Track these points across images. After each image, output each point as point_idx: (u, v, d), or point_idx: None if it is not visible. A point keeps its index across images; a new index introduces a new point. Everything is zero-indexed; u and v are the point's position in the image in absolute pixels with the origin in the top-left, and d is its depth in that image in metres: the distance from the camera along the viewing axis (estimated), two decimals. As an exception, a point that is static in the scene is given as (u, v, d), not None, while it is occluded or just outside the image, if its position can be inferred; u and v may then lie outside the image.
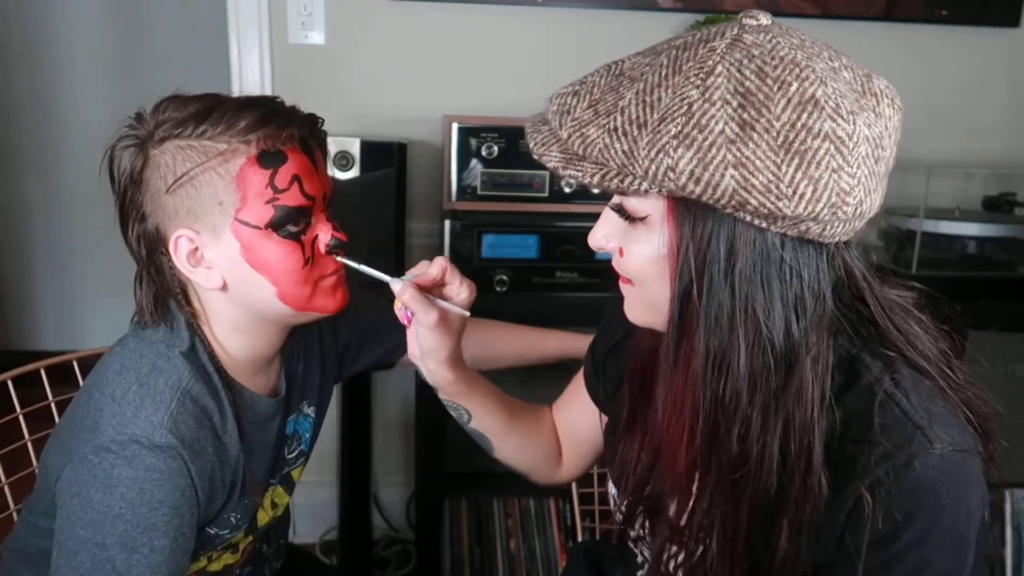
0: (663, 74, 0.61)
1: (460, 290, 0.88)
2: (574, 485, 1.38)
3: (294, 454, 1.02)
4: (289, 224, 0.83)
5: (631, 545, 0.90)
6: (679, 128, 0.59)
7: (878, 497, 0.63)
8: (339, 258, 0.88)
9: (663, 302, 0.68)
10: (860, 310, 0.69)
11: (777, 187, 0.58)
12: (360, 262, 0.89)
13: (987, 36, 1.91)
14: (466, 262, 1.51)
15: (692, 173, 0.59)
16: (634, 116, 0.60)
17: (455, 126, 1.49)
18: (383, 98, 1.84)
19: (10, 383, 1.14)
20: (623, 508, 0.82)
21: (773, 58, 0.60)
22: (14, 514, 1.13)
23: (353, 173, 1.55)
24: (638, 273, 0.70)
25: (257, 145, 0.80)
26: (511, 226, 1.52)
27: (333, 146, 1.49)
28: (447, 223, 1.50)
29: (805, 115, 0.58)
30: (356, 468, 1.81)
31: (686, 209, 0.63)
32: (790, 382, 0.65)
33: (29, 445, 1.17)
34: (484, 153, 1.50)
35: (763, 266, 0.63)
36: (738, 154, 0.58)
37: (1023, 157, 1.95)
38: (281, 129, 0.81)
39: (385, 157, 1.57)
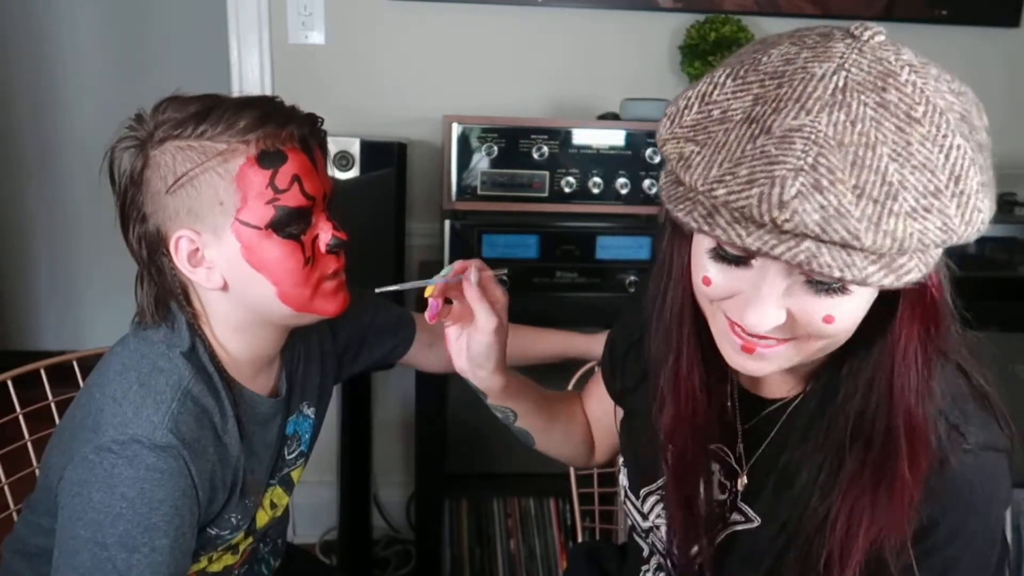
0: (895, 127, 0.55)
1: (498, 292, 0.88)
2: (574, 485, 1.38)
3: (294, 455, 1.02)
4: (290, 224, 0.83)
5: (637, 539, 0.91)
6: (980, 176, 0.57)
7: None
8: (377, 290, 0.87)
9: (829, 347, 0.65)
10: None
11: (989, 197, 0.59)
12: (385, 283, 0.88)
13: (987, 36, 1.92)
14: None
15: (991, 210, 0.58)
16: (921, 187, 0.54)
17: (455, 126, 1.49)
18: (383, 98, 1.84)
19: (10, 383, 1.14)
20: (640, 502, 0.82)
21: (938, 78, 0.58)
22: (14, 514, 1.13)
23: (353, 173, 1.55)
24: (847, 332, 0.64)
25: (257, 145, 0.80)
26: (511, 226, 1.52)
27: (333, 146, 1.49)
28: (447, 223, 1.50)
29: (980, 117, 0.61)
30: (356, 468, 1.81)
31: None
32: None
33: (29, 445, 1.17)
34: (484, 153, 1.50)
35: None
36: (986, 178, 0.59)
37: (1023, 157, 1.95)
38: (280, 128, 0.81)
39: (385, 157, 1.57)
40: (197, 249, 0.83)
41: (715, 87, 0.60)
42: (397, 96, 1.84)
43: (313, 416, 1.05)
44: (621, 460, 0.92)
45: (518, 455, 1.98)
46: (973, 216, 0.56)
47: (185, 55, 2.75)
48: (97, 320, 3.06)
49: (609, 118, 1.68)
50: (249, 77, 1.80)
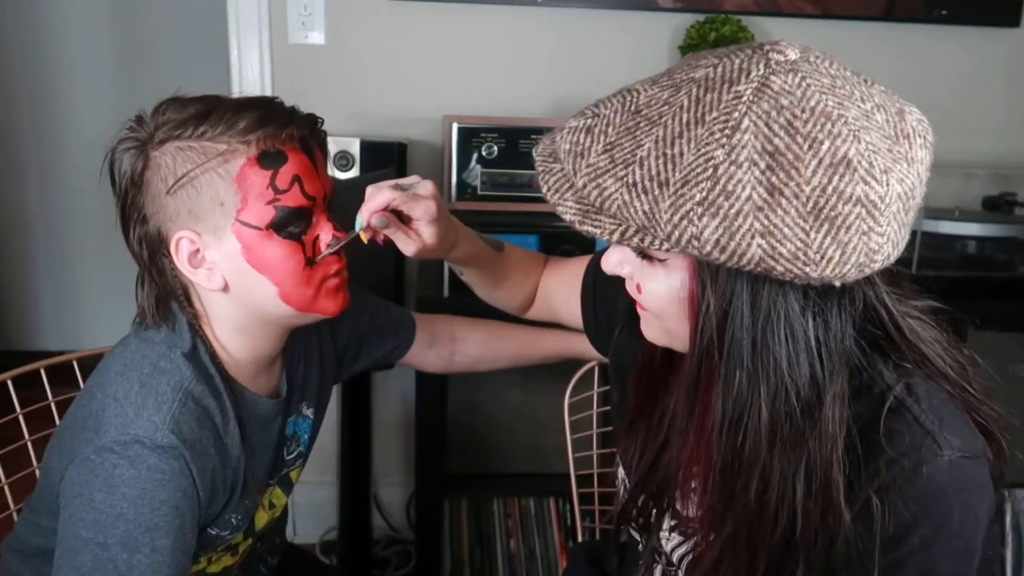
0: (684, 120, 0.58)
1: (415, 206, 0.89)
2: (574, 485, 1.38)
3: (293, 455, 1.02)
4: (290, 225, 0.83)
5: (635, 534, 0.91)
6: (704, 194, 0.56)
7: (886, 500, 0.63)
8: (327, 251, 0.87)
9: (682, 334, 0.67)
10: (875, 330, 0.68)
11: (805, 254, 0.56)
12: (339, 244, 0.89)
13: (987, 36, 1.92)
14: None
15: (718, 242, 0.57)
16: (654, 172, 0.58)
17: (455, 126, 1.49)
18: (383, 98, 1.84)
19: (10, 383, 1.14)
20: (626, 498, 0.83)
21: (803, 110, 0.56)
22: (14, 514, 1.13)
23: (353, 173, 1.55)
24: (656, 310, 0.69)
25: (257, 145, 0.80)
26: (511, 226, 1.52)
27: (333, 146, 1.50)
28: (447, 223, 1.50)
29: (836, 178, 0.55)
30: (356, 468, 1.81)
31: (707, 266, 0.62)
32: (814, 426, 0.63)
33: (29, 445, 1.17)
34: (484, 153, 1.50)
35: (787, 319, 0.61)
36: (766, 222, 0.55)
37: (1023, 157, 1.95)
38: (281, 129, 0.81)
39: (385, 157, 1.57)
40: (198, 250, 0.83)
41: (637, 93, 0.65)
42: (397, 96, 1.84)
43: (312, 416, 1.05)
44: (617, 455, 0.92)
45: (518, 455, 1.99)
46: (681, 222, 0.57)
47: (185, 55, 2.75)
48: (97, 320, 3.05)
49: (609, 118, 1.68)
50: (249, 77, 1.80)
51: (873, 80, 0.62)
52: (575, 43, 1.85)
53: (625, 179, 0.59)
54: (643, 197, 0.58)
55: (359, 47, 1.82)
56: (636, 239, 0.61)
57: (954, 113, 1.93)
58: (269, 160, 0.81)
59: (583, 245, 1.53)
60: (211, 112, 0.80)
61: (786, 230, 0.56)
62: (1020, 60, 1.94)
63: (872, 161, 0.56)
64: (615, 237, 0.61)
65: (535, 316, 1.14)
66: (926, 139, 0.61)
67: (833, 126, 0.56)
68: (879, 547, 0.63)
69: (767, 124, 0.56)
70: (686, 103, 0.59)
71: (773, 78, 0.57)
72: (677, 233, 0.58)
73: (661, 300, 0.67)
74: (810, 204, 0.55)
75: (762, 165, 0.55)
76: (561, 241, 1.53)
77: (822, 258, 0.56)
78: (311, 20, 1.79)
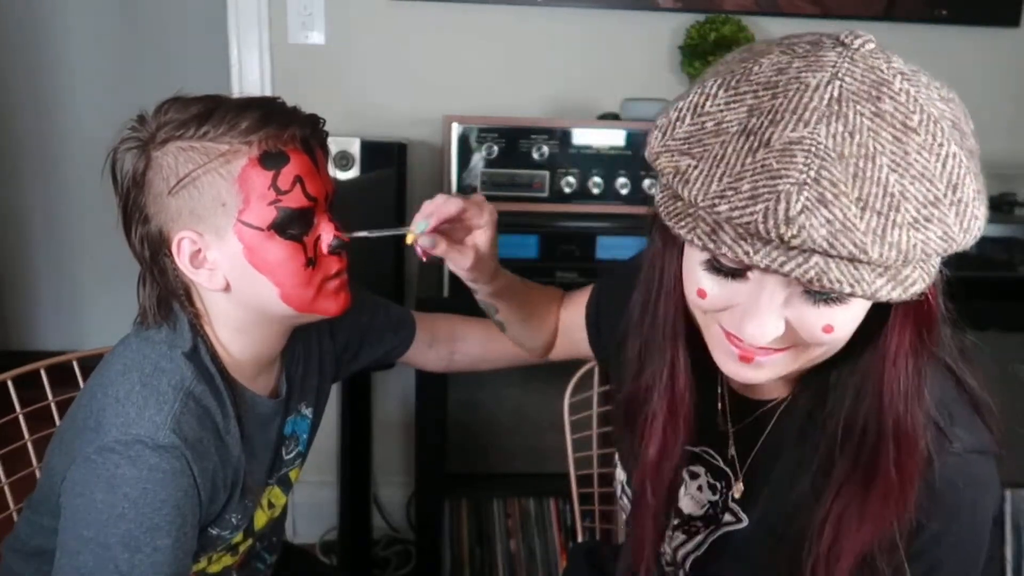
0: (891, 138, 0.54)
1: (480, 214, 0.90)
2: (574, 485, 1.38)
3: (292, 455, 1.02)
4: (292, 225, 0.83)
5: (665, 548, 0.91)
6: (976, 186, 0.56)
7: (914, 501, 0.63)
8: (354, 234, 0.88)
9: (826, 354, 0.65)
10: None
11: (981, 207, 0.57)
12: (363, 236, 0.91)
13: (987, 36, 1.92)
14: (466, 262, 1.51)
15: (985, 217, 0.58)
16: (921, 197, 0.54)
17: (455, 126, 1.49)
18: (383, 98, 1.84)
19: (10, 383, 1.14)
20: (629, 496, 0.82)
21: (928, 84, 0.59)
22: (14, 514, 1.13)
23: (353, 173, 1.55)
24: (845, 339, 0.63)
25: (259, 146, 0.80)
26: (511, 226, 1.52)
27: (333, 146, 1.49)
28: (447, 223, 1.50)
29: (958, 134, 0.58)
30: (356, 468, 1.81)
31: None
32: None
33: (29, 445, 1.17)
34: (484, 153, 1.50)
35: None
36: (982, 183, 0.58)
37: (1023, 157, 1.95)
38: (282, 129, 0.81)
39: (385, 157, 1.57)
40: (199, 250, 0.83)
41: (707, 98, 0.59)
42: (397, 96, 1.84)
43: (311, 416, 1.05)
44: (617, 456, 0.92)
45: (518, 455, 1.99)
46: (971, 224, 0.56)
47: (185, 55, 2.75)
48: (97, 320, 3.05)
49: (609, 118, 1.68)
50: (249, 77, 1.80)
51: None
52: (575, 43, 1.85)
53: (904, 221, 0.54)
54: (932, 224, 0.55)
55: (359, 47, 1.82)
56: (935, 265, 0.60)
57: (954, 113, 1.93)
58: (271, 161, 0.81)
59: (583, 245, 1.53)
60: (213, 112, 0.80)
61: (982, 187, 0.58)
62: (1020, 60, 1.94)
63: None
64: (929, 281, 0.58)
65: (559, 355, 1.14)
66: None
67: (941, 88, 0.60)
68: (889, 542, 0.64)
69: (938, 99, 0.57)
70: (868, 123, 0.55)
71: (884, 65, 0.57)
72: (973, 229, 0.57)
73: (856, 322, 0.62)
74: (976, 157, 0.58)
75: (958, 136, 0.57)
76: (561, 241, 1.53)
77: (982, 207, 0.58)
78: (311, 20, 1.79)
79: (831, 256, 0.53)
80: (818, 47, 0.58)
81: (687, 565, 0.81)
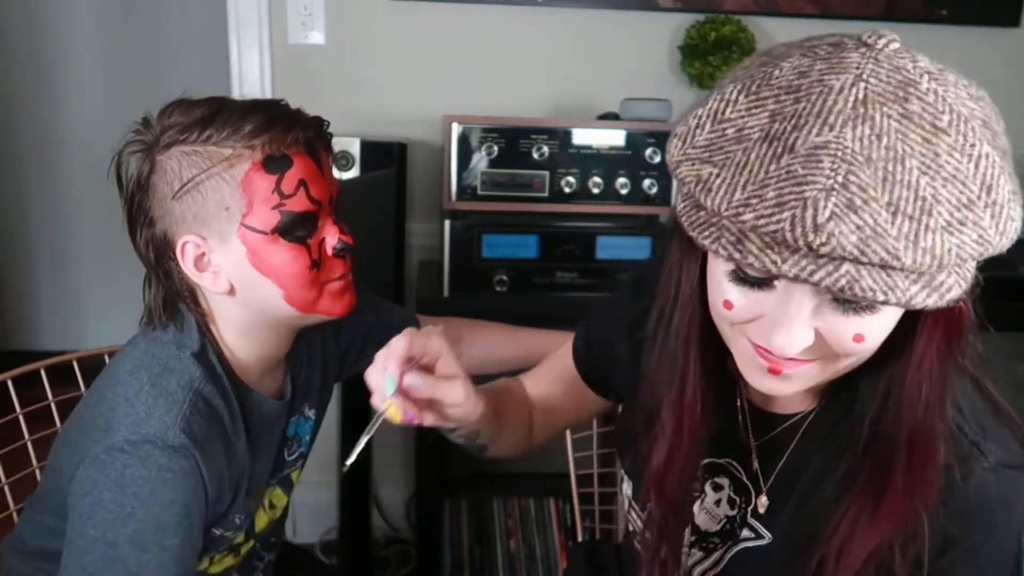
0: (921, 140, 0.53)
1: (429, 342, 0.77)
2: (574, 485, 1.38)
3: (294, 456, 1.02)
4: (296, 229, 0.83)
5: (639, 545, 0.90)
6: (1012, 186, 0.55)
7: (933, 512, 0.62)
8: (349, 462, 0.75)
9: (855, 364, 0.63)
10: None
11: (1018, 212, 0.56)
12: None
13: (987, 36, 1.92)
14: (466, 262, 1.51)
15: (1021, 218, 0.55)
16: (954, 200, 0.52)
17: (455, 126, 1.49)
18: (383, 98, 1.84)
19: (10, 383, 1.14)
20: (642, 510, 0.81)
21: (955, 83, 0.56)
22: (14, 514, 1.13)
23: (353, 173, 1.55)
24: (875, 348, 0.61)
25: (262, 150, 0.80)
26: (511, 226, 1.52)
27: (333, 146, 1.49)
28: (447, 223, 1.50)
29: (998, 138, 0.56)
30: (356, 468, 1.80)
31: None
32: None
33: (29, 445, 1.17)
34: (484, 153, 1.50)
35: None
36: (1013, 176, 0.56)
37: (1023, 157, 1.95)
38: (286, 133, 0.81)
39: (385, 157, 1.57)
40: (203, 254, 0.83)
41: (727, 104, 0.57)
42: (397, 96, 1.84)
43: (313, 418, 1.05)
44: (623, 470, 0.91)
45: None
46: (1007, 226, 0.54)
47: (185, 55, 2.75)
48: (97, 320, 3.05)
49: (609, 118, 1.68)
50: (249, 77, 1.80)
51: None
52: (575, 43, 1.85)
53: (937, 225, 0.52)
54: (967, 228, 0.53)
55: (359, 47, 1.82)
56: (975, 267, 0.58)
57: (954, 113, 1.93)
58: (274, 164, 0.81)
59: (583, 245, 1.53)
60: (216, 116, 0.80)
61: (1017, 187, 0.56)
62: (1020, 60, 1.94)
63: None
64: (967, 285, 0.57)
65: (542, 437, 1.01)
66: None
67: (969, 87, 0.57)
68: (913, 555, 0.63)
69: (968, 98, 0.55)
70: (896, 125, 0.53)
71: (910, 65, 0.55)
72: (1010, 231, 0.55)
73: (885, 332, 0.60)
74: (1008, 157, 0.56)
75: (989, 135, 0.55)
76: (561, 241, 1.53)
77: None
78: (311, 20, 1.79)
79: (862, 263, 0.52)
80: (840, 48, 0.56)
81: None
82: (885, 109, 0.53)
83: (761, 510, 0.76)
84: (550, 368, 1.01)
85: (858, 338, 0.58)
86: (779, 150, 0.53)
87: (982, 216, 0.53)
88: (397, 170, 1.59)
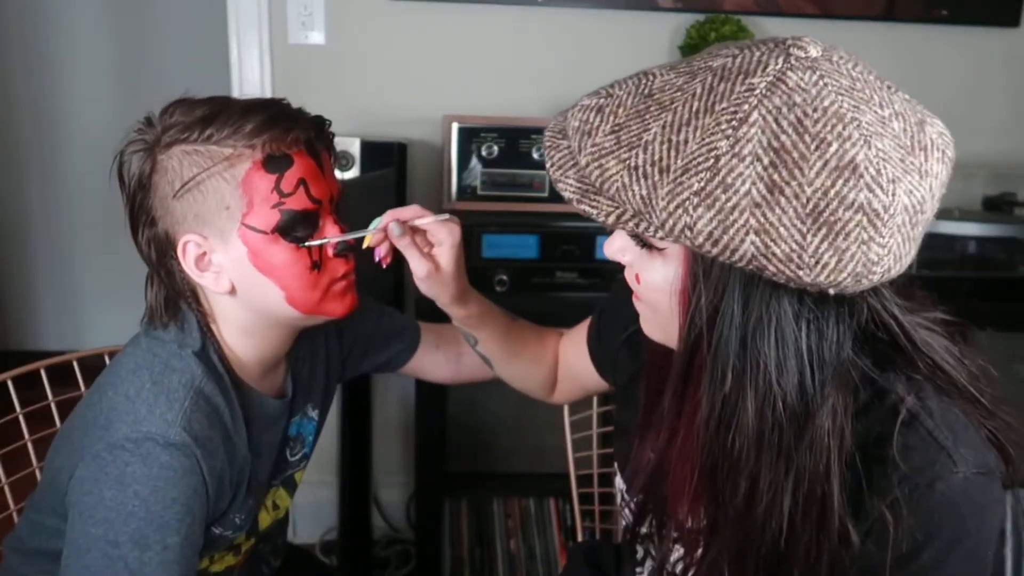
0: (694, 108, 0.57)
1: (441, 233, 0.91)
2: (574, 485, 1.38)
3: (297, 456, 1.02)
4: (296, 228, 0.82)
5: (637, 544, 0.90)
6: (702, 184, 0.55)
7: (899, 516, 0.62)
8: (306, 244, 0.84)
9: (676, 331, 0.66)
10: (886, 339, 0.66)
11: (799, 256, 0.55)
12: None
13: (987, 36, 1.91)
14: (466, 262, 1.51)
15: (711, 235, 0.56)
16: (656, 157, 0.57)
17: (455, 126, 1.49)
18: (383, 98, 1.84)
19: (10, 383, 1.13)
20: (633, 506, 0.82)
21: (816, 109, 0.54)
22: (14, 514, 1.13)
23: (353, 173, 1.55)
24: (652, 301, 0.68)
25: (263, 149, 0.80)
26: (511, 226, 1.52)
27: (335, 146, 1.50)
28: (447, 223, 1.50)
29: (840, 182, 0.54)
30: (356, 468, 1.81)
31: (701, 259, 0.61)
32: (803, 436, 0.61)
33: (29, 445, 1.17)
34: (484, 153, 1.50)
35: (778, 323, 0.60)
36: (762, 219, 0.54)
37: (1023, 157, 1.95)
38: (286, 132, 0.81)
39: (385, 157, 1.57)
40: (204, 253, 0.83)
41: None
42: (397, 96, 1.84)
43: (316, 418, 1.05)
44: (616, 464, 0.92)
45: (518, 455, 1.99)
46: (676, 211, 0.56)
47: (185, 55, 2.75)
48: (97, 320, 3.05)
49: (609, 118, 1.68)
50: (249, 77, 1.80)
51: (897, 87, 0.60)
52: (575, 43, 1.85)
53: (627, 162, 0.58)
54: (642, 181, 0.57)
55: (359, 47, 1.82)
56: (631, 224, 0.60)
57: (954, 113, 1.92)
58: (274, 164, 0.81)
59: (583, 245, 1.53)
60: (217, 115, 0.80)
61: (782, 230, 0.54)
62: (1020, 60, 1.94)
63: (880, 169, 0.54)
64: (611, 220, 0.61)
65: (563, 397, 1.14)
66: (944, 153, 0.60)
67: (844, 128, 0.54)
68: (890, 564, 0.62)
69: (776, 120, 0.54)
70: (699, 91, 0.57)
71: (790, 74, 0.56)
72: (672, 221, 0.57)
73: (657, 291, 0.66)
74: (810, 206, 0.54)
75: (765, 161, 0.54)
76: (561, 241, 1.53)
77: (817, 263, 0.55)
78: (311, 20, 1.79)
79: (568, 148, 0.63)
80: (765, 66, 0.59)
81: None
82: (725, 85, 0.57)
83: None
84: (581, 333, 1.06)
85: (637, 278, 0.68)
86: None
87: (663, 184, 0.57)
88: (397, 170, 1.59)
